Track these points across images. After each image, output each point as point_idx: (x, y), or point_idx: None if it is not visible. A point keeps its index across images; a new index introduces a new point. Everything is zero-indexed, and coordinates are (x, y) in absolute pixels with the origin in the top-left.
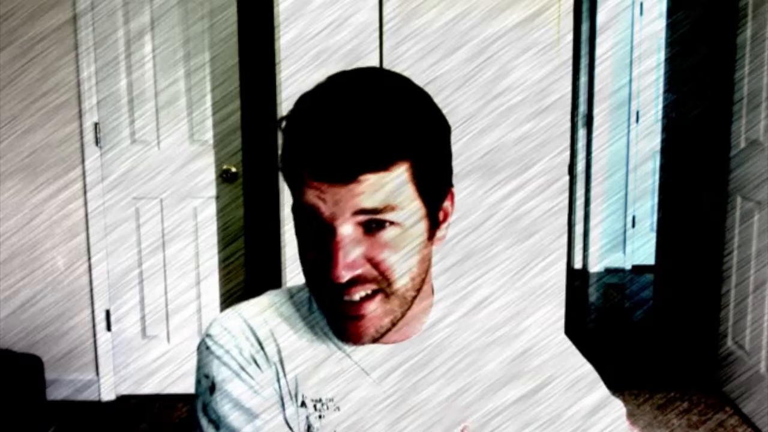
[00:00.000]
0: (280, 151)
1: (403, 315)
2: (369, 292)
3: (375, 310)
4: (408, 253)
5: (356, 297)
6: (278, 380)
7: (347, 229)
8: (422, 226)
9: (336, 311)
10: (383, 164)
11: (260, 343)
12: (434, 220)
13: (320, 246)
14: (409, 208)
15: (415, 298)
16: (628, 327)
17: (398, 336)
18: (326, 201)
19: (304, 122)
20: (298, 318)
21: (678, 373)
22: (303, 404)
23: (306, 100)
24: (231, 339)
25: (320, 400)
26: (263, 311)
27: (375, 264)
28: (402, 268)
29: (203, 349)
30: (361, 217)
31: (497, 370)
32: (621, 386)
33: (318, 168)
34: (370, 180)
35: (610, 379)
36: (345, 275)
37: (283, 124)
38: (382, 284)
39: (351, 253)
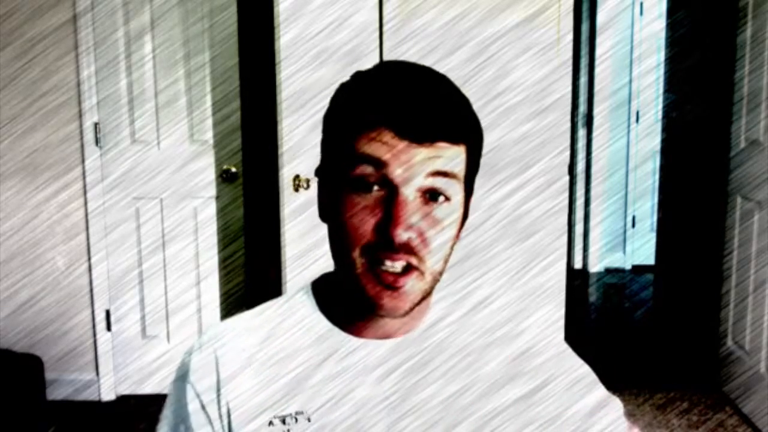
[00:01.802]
0: (331, 113)
1: (425, 297)
2: (407, 264)
3: (411, 285)
4: (448, 236)
5: (398, 266)
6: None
7: (411, 193)
8: (460, 214)
9: (374, 281)
10: (457, 137)
11: (218, 386)
12: (465, 213)
13: (370, 208)
14: (459, 190)
15: (436, 284)
16: (628, 327)
17: (401, 330)
18: (399, 159)
19: (389, 81)
20: (297, 320)
21: (678, 373)
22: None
23: (379, 69)
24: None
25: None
26: (248, 330)
27: (422, 237)
28: (440, 249)
29: (179, 383)
30: (429, 182)
31: (497, 370)
32: (621, 386)
33: (405, 125)
34: (444, 147)
35: (610, 379)
36: (403, 235)
37: (346, 88)
38: (420, 261)
39: (412, 216)
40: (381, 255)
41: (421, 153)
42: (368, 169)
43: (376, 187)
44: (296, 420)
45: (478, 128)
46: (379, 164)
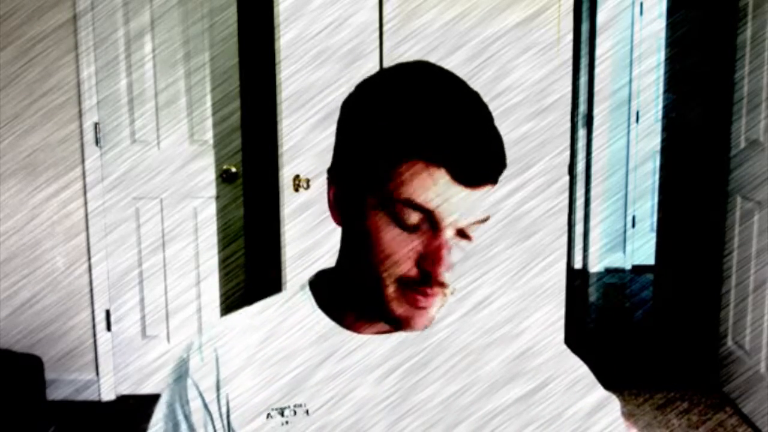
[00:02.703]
0: (366, 119)
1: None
2: (439, 290)
3: (436, 304)
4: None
5: (433, 295)
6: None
7: (451, 232)
8: None
9: (403, 305)
10: (499, 176)
11: (218, 385)
12: None
13: (410, 240)
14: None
15: None
16: (628, 327)
17: None
18: (452, 206)
19: (446, 106)
20: (297, 319)
21: (678, 373)
22: (269, 416)
23: (422, 87)
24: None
25: (286, 408)
26: (249, 329)
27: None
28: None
29: (179, 381)
30: (471, 226)
31: (497, 370)
32: (621, 386)
33: (466, 170)
34: (487, 190)
35: (610, 379)
36: (446, 275)
37: (387, 96)
38: (444, 287)
39: (453, 255)
40: (417, 287)
41: (471, 197)
42: (416, 211)
43: (417, 221)
44: (295, 413)
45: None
46: (433, 211)
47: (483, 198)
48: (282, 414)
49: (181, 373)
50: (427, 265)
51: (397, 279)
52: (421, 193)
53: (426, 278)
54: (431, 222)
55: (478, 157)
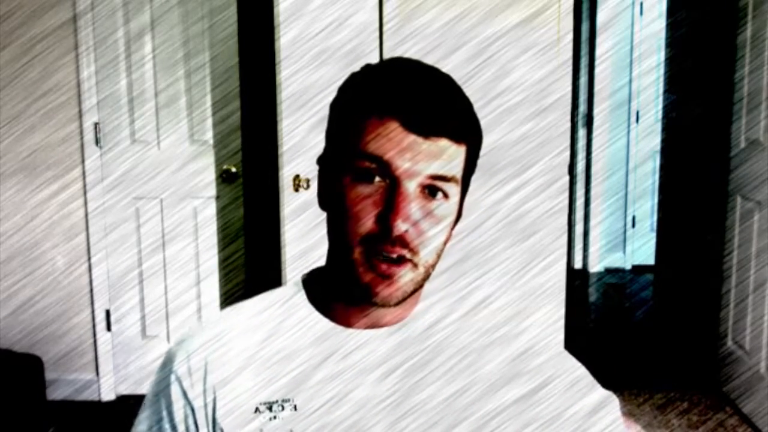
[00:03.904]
0: (338, 102)
1: (417, 288)
2: (403, 254)
3: (404, 275)
4: (442, 230)
5: (394, 255)
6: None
7: (412, 186)
8: (455, 210)
9: (369, 270)
10: (460, 136)
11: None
12: (459, 212)
13: (371, 198)
14: (456, 191)
15: (428, 276)
16: (628, 327)
17: (392, 319)
18: (403, 155)
19: (398, 74)
20: (292, 322)
21: (678, 373)
22: (257, 410)
23: (389, 63)
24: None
25: (274, 402)
26: (250, 320)
27: (418, 230)
28: (434, 242)
29: (165, 371)
30: (429, 181)
31: (497, 370)
32: (621, 386)
33: (413, 118)
34: (446, 145)
35: (610, 379)
36: (402, 227)
37: (355, 78)
38: (414, 253)
39: (411, 209)
40: (378, 246)
41: (425, 148)
42: (371, 164)
43: (378, 179)
44: (282, 408)
45: (479, 130)
46: (383, 160)
47: (442, 153)
48: (270, 409)
49: (165, 377)
50: (384, 216)
51: (361, 239)
52: (375, 143)
53: (385, 233)
54: (389, 175)
55: (428, 106)
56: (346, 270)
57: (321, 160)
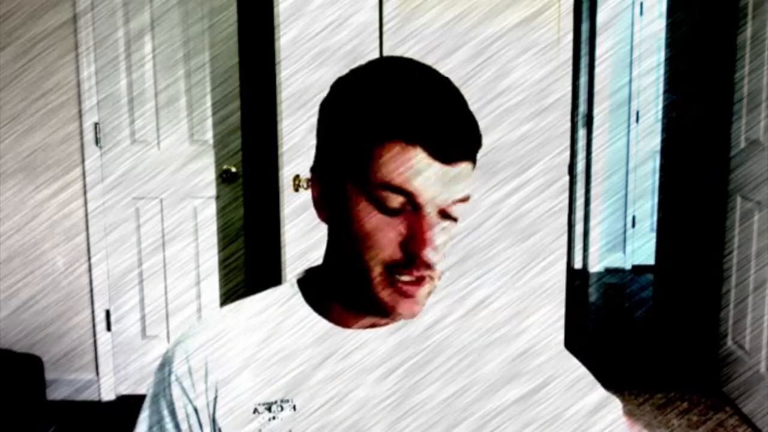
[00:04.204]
0: (342, 109)
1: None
2: (425, 275)
3: (423, 291)
4: (449, 243)
5: (418, 277)
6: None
7: (434, 212)
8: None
9: (391, 291)
10: (474, 154)
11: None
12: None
13: (393, 224)
14: (466, 203)
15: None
16: (628, 327)
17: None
18: (432, 185)
19: (417, 94)
20: (295, 320)
21: (678, 373)
22: (255, 411)
23: (392, 73)
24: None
25: (273, 403)
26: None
27: (437, 250)
28: (444, 254)
29: (165, 371)
30: (450, 204)
31: (497, 370)
32: (621, 386)
33: (440, 145)
34: (465, 167)
35: (610, 379)
36: (432, 255)
37: (360, 85)
38: (433, 270)
39: (437, 236)
40: (402, 270)
41: (449, 174)
42: (396, 193)
43: (399, 203)
44: (281, 408)
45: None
46: (410, 190)
47: (461, 176)
48: (269, 409)
49: (166, 377)
50: (411, 246)
51: (383, 264)
52: (399, 174)
53: (411, 260)
54: (412, 203)
55: (453, 133)
56: (363, 290)
57: (319, 169)
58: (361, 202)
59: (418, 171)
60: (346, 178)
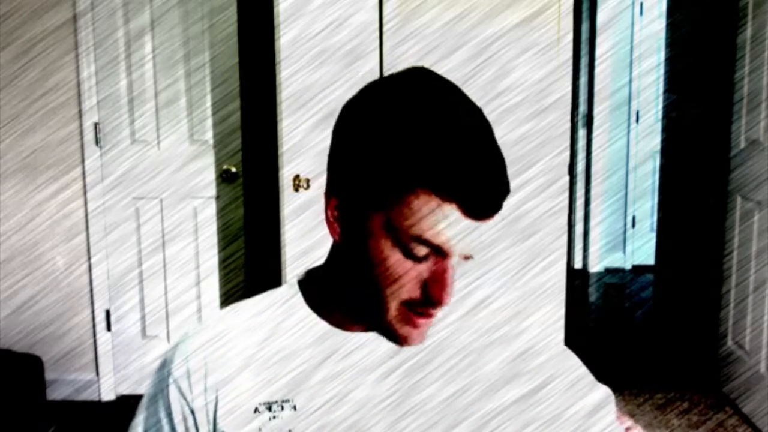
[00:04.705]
0: (369, 142)
1: None
2: (438, 310)
3: (431, 320)
4: None
5: (433, 314)
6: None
7: (457, 258)
8: None
9: (405, 324)
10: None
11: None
12: None
13: (416, 267)
14: None
15: None
16: (628, 327)
17: None
18: (460, 239)
19: (452, 140)
20: (294, 321)
21: (678, 373)
22: (256, 410)
23: (427, 110)
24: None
25: (274, 402)
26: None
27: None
28: None
29: (163, 373)
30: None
31: (497, 370)
32: (621, 386)
33: (476, 204)
34: (493, 218)
35: (610, 379)
36: (450, 298)
37: (390, 116)
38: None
39: (454, 279)
40: (419, 307)
41: (481, 228)
42: (426, 246)
43: (425, 254)
44: (282, 408)
45: None
46: (440, 245)
47: (489, 224)
48: (270, 409)
49: (163, 378)
50: (432, 290)
51: (401, 301)
52: (432, 230)
53: (430, 301)
54: (439, 251)
55: (490, 190)
56: (377, 317)
57: (336, 189)
58: (385, 242)
59: (451, 227)
60: (372, 209)
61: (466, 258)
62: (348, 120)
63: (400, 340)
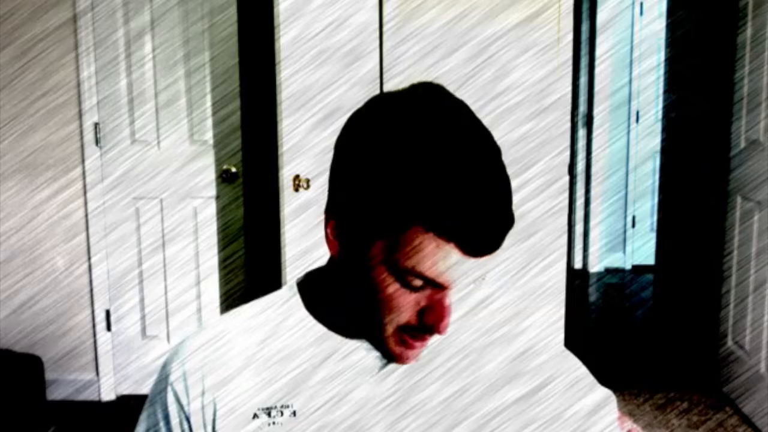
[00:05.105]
0: (378, 186)
1: None
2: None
3: (427, 342)
4: None
5: (428, 339)
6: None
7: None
8: None
9: (400, 345)
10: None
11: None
12: None
13: (414, 296)
14: None
15: None
16: (628, 327)
17: None
18: (457, 274)
19: (456, 179)
20: (293, 323)
21: (678, 373)
22: (255, 416)
23: (433, 142)
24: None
25: (273, 407)
26: (240, 334)
27: None
28: None
29: (162, 375)
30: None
31: (497, 370)
32: (621, 386)
33: (476, 245)
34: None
35: (610, 379)
36: (447, 330)
37: (392, 143)
38: None
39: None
40: (414, 332)
41: (479, 263)
42: (423, 281)
43: (422, 285)
44: (281, 413)
45: None
46: (437, 280)
47: (490, 259)
48: (269, 414)
49: (161, 381)
50: (430, 318)
51: (398, 326)
52: (429, 266)
53: (425, 328)
54: (438, 287)
55: (490, 231)
56: (373, 337)
57: (336, 212)
58: (383, 270)
59: (450, 266)
60: (372, 237)
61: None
62: (350, 139)
63: (394, 358)
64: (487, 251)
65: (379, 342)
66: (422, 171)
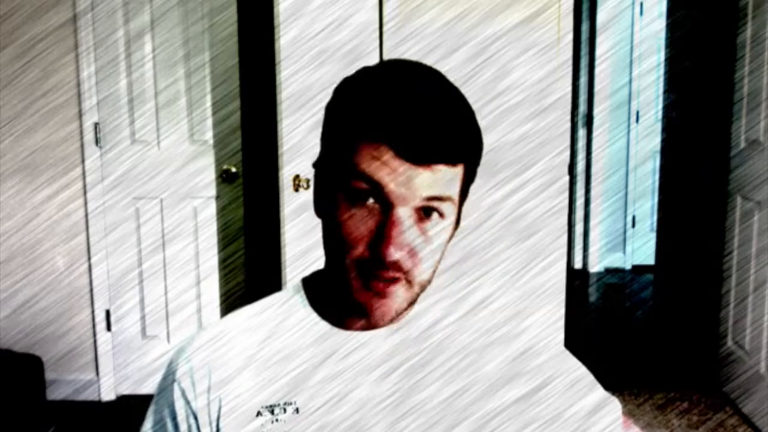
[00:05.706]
0: (332, 111)
1: (412, 303)
2: (397, 276)
3: (399, 294)
4: (438, 247)
5: (389, 278)
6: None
7: (406, 212)
8: (451, 227)
9: (362, 289)
10: (456, 159)
11: (209, 386)
12: (458, 220)
13: (364, 221)
14: (453, 210)
15: (423, 291)
16: (628, 327)
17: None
18: (396, 180)
19: (394, 91)
20: (292, 322)
21: (678, 373)
22: (258, 414)
23: (386, 73)
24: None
25: (276, 405)
26: (245, 331)
27: (412, 254)
28: (428, 261)
29: (167, 373)
30: (423, 203)
31: (497, 370)
32: (621, 386)
33: (406, 147)
34: (441, 170)
35: (611, 380)
36: (395, 254)
37: (350, 87)
38: (408, 274)
39: (404, 235)
40: (372, 269)
41: (420, 175)
42: (364, 185)
43: (371, 200)
44: (284, 410)
45: (479, 144)
46: (376, 183)
47: (439, 178)
48: (272, 412)
49: (168, 377)
50: (376, 245)
51: (356, 264)
52: (368, 165)
53: (377, 260)
54: (382, 199)
55: (421, 133)
56: (342, 287)
57: (317, 165)
58: (339, 197)
59: (385, 166)
60: (330, 169)
61: (427, 215)
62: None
63: (366, 311)
64: (418, 155)
65: (350, 299)
66: (368, 93)
